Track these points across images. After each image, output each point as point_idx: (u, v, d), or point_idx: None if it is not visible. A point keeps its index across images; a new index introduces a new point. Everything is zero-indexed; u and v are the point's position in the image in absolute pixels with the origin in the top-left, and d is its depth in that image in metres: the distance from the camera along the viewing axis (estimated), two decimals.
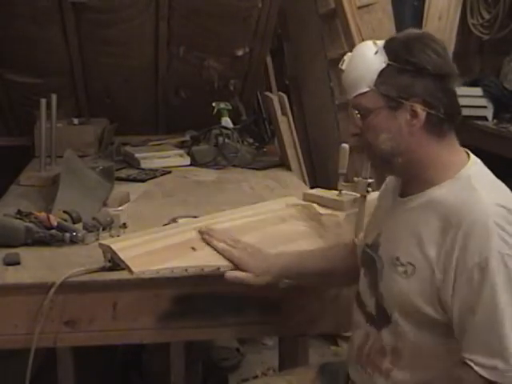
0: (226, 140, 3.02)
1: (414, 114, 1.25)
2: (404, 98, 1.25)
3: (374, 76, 1.26)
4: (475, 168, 1.29)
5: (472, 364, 1.17)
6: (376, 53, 1.27)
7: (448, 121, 1.27)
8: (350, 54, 1.34)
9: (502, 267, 1.15)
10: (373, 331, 1.36)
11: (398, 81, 1.25)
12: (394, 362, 1.31)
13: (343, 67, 1.33)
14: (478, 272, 1.16)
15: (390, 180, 1.48)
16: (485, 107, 3.90)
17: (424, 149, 1.28)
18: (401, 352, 1.30)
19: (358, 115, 1.30)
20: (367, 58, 1.28)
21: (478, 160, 1.32)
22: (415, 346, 1.28)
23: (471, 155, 1.32)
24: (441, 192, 1.26)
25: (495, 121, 3.85)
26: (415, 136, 1.27)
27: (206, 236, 1.53)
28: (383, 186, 1.54)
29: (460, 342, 1.20)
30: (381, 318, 1.34)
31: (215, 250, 1.50)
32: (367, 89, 1.27)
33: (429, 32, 1.36)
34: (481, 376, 1.16)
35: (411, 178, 1.32)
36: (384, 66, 1.26)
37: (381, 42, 1.30)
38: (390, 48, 1.27)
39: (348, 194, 1.84)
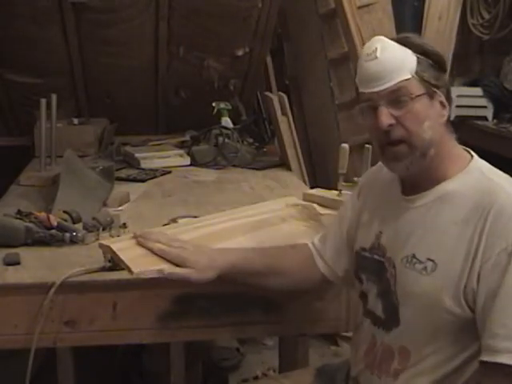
0: (226, 140, 3.02)
1: (443, 105, 1.29)
2: (437, 87, 1.28)
3: (414, 63, 1.26)
4: (482, 162, 1.31)
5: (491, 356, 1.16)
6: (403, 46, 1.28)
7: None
8: (375, 44, 1.29)
9: None
10: (380, 333, 1.35)
11: (432, 71, 1.28)
12: (402, 363, 1.30)
13: (378, 55, 1.27)
14: (504, 257, 1.17)
15: (373, 181, 1.47)
16: (485, 107, 3.91)
17: (444, 142, 1.30)
18: (409, 352, 1.29)
19: (398, 103, 1.26)
20: (400, 48, 1.28)
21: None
22: (425, 346, 1.27)
23: (472, 152, 1.34)
24: (454, 185, 1.27)
25: (495, 121, 3.85)
26: (443, 127, 1.30)
27: (140, 239, 1.47)
28: (360, 189, 1.52)
29: (481, 330, 1.19)
30: (391, 320, 1.33)
31: (152, 251, 1.44)
32: (409, 75, 1.26)
33: None
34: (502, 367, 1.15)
35: (426, 174, 1.31)
36: (415, 56, 1.27)
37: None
38: (410, 43, 1.29)
39: (348, 194, 1.84)
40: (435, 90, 1.27)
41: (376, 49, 1.27)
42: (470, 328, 1.22)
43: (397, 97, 1.26)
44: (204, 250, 1.47)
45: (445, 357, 1.26)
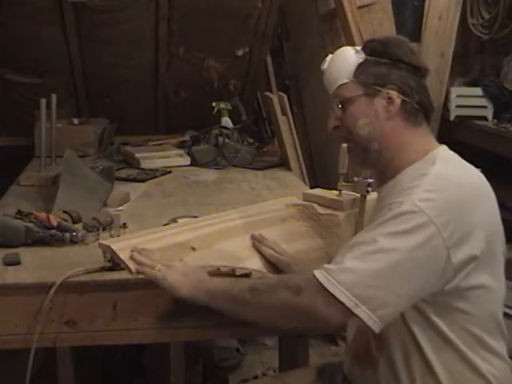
0: (226, 140, 3.02)
1: (390, 101, 1.34)
2: (380, 85, 1.34)
3: (353, 68, 1.36)
4: (445, 152, 1.35)
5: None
6: (356, 53, 1.38)
7: (422, 112, 1.35)
8: (330, 55, 1.44)
9: (408, 217, 1.19)
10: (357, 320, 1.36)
11: (374, 71, 1.35)
12: (380, 348, 1.32)
13: (324, 67, 1.44)
14: (387, 209, 1.23)
15: None
16: (485, 107, 3.90)
17: (399, 135, 1.35)
18: (381, 337, 1.30)
19: (340, 107, 1.37)
20: (347, 56, 1.39)
21: (451, 151, 1.37)
22: (389, 329, 1.27)
23: (445, 146, 1.37)
24: (406, 174, 1.32)
25: (495, 121, 3.85)
26: (391, 121, 1.35)
27: (256, 242, 1.61)
28: None
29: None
30: None
31: (262, 255, 1.60)
32: (346, 80, 1.37)
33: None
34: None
35: (385, 166, 1.37)
36: (362, 60, 1.36)
37: (360, 47, 1.40)
38: (368, 46, 1.38)
39: (348, 194, 1.84)
40: (379, 88, 1.33)
41: (325, 62, 1.44)
42: (423, 314, 1.24)
43: (339, 101, 1.38)
44: (307, 270, 1.52)
45: (412, 336, 1.27)
